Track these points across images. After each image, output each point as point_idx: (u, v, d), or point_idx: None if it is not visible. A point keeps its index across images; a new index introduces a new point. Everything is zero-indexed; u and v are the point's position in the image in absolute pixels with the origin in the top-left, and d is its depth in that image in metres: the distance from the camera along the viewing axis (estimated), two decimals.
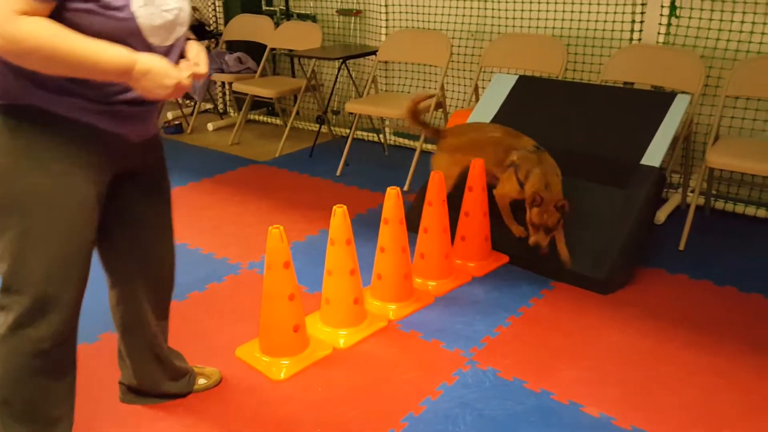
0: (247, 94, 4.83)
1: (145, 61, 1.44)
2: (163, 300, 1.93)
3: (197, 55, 1.64)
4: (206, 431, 1.97)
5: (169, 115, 5.49)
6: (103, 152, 1.57)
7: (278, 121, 5.44)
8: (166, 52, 1.53)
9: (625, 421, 1.98)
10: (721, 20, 3.44)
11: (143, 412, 2.04)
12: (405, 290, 2.63)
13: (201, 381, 2.15)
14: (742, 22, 3.37)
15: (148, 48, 1.48)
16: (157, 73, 1.45)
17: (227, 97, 5.73)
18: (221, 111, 5.75)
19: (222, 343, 2.40)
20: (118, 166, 1.64)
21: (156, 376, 2.01)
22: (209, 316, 2.59)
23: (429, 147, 4.59)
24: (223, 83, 5.62)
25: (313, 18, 5.14)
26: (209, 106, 5.79)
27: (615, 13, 3.78)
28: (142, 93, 1.49)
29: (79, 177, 1.53)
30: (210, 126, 5.30)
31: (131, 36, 1.45)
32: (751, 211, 3.45)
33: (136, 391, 2.05)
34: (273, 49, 5.08)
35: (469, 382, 2.18)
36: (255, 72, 5.02)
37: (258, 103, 5.39)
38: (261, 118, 5.58)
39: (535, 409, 2.04)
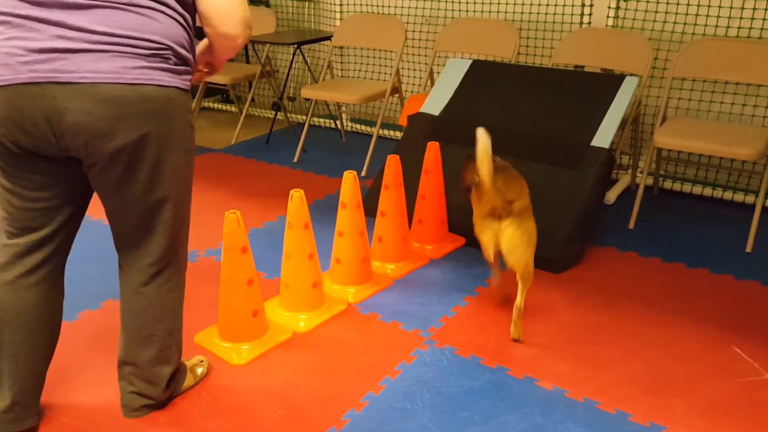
0: (200, 81, 4.77)
1: None
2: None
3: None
4: (165, 418, 1.96)
5: None
6: None
7: (233, 108, 5.39)
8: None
9: (578, 394, 2.05)
10: (667, 3, 3.53)
11: (98, 398, 2.03)
12: (363, 273, 2.65)
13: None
14: (688, 4, 3.47)
15: None
16: None
17: None
18: None
19: None
20: None
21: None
22: None
23: (385, 133, 4.62)
24: None
25: (266, 3, 5.10)
26: None
27: None
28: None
29: None
30: None
31: None
32: (697, 190, 3.56)
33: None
34: None
35: (427, 360, 2.22)
36: None
37: (212, 90, 5.33)
38: (215, 105, 5.52)
39: (491, 384, 2.09)
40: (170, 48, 1.60)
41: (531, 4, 3.98)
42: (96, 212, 3.00)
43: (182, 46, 1.63)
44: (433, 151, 2.85)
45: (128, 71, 1.54)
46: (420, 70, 4.51)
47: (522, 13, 4.02)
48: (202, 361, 2.15)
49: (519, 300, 2.29)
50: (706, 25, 3.45)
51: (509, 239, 2.23)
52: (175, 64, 1.63)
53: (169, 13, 1.60)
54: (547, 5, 3.92)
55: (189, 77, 1.69)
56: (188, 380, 2.06)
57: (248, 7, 1.69)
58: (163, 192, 1.71)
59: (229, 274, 2.17)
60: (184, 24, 1.64)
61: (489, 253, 2.33)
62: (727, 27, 3.40)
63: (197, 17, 1.70)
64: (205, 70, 1.94)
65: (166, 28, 1.59)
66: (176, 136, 1.68)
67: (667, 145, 3.09)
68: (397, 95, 4.20)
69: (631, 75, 3.22)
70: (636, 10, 3.62)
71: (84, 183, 1.73)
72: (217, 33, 1.68)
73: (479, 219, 2.33)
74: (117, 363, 1.91)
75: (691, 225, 3.24)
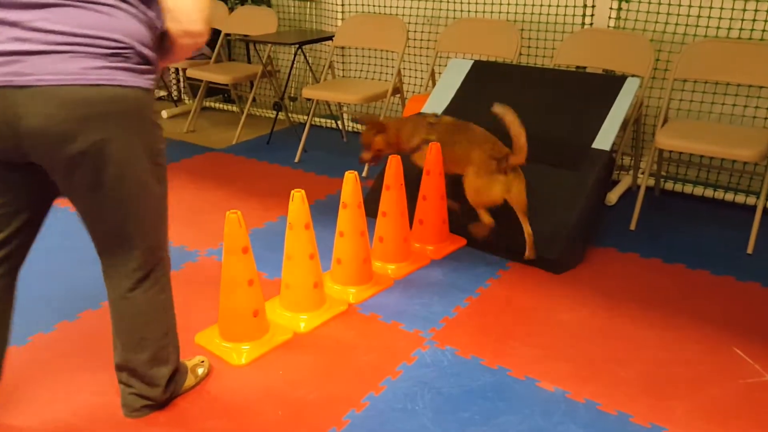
0: (201, 81, 4.77)
1: None
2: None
3: None
4: (165, 418, 1.96)
5: None
6: None
7: (234, 108, 5.39)
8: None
9: (579, 395, 2.05)
10: (669, 5, 3.52)
11: (93, 396, 2.03)
12: (364, 274, 2.65)
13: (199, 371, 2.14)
14: (690, 6, 3.46)
15: None
16: None
17: (181, 84, 5.65)
18: (175, 98, 5.67)
19: (181, 330, 2.36)
20: None
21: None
22: None
23: None
24: (176, 69, 5.54)
25: (267, 3, 5.10)
26: (163, 93, 5.70)
27: None
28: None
29: None
30: (164, 113, 5.23)
31: None
32: (698, 191, 3.56)
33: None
34: (228, 35, 5.02)
35: (428, 361, 2.21)
36: (209, 58, 4.96)
37: (213, 90, 5.33)
38: (217, 105, 5.52)
39: (492, 385, 2.09)
40: (132, 47, 1.55)
41: (533, 5, 3.97)
42: None
43: (145, 45, 1.59)
44: (434, 151, 2.85)
45: (89, 72, 1.49)
46: (421, 71, 4.51)
47: (524, 13, 4.02)
48: (202, 362, 2.15)
49: (529, 227, 2.77)
50: (707, 27, 3.44)
51: (519, 189, 2.74)
52: (137, 64, 1.58)
53: (131, 11, 1.55)
54: (549, 6, 3.92)
55: (152, 77, 1.64)
56: (189, 380, 2.06)
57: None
58: (136, 193, 1.68)
59: (230, 274, 2.17)
60: (148, 22, 1.60)
61: (496, 201, 2.76)
62: (729, 29, 3.40)
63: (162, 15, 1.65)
64: None
65: (127, 27, 1.54)
66: (141, 136, 1.64)
67: (669, 146, 3.08)
68: (398, 95, 4.20)
69: (633, 76, 3.22)
70: (638, 11, 3.61)
71: (43, 188, 1.69)
72: (183, 30, 1.63)
73: (489, 176, 2.74)
74: (114, 367, 1.91)
75: (692, 226, 3.24)
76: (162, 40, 1.68)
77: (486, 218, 2.80)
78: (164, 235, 1.84)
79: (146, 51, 1.59)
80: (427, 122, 2.98)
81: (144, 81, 1.60)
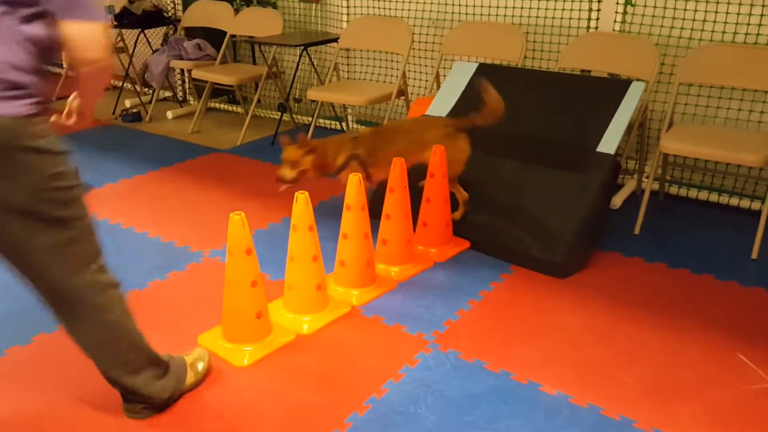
0: (206, 82, 4.78)
1: None
2: None
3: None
4: (167, 419, 1.96)
5: (127, 103, 5.40)
6: None
7: (239, 109, 5.40)
8: None
9: (582, 399, 2.04)
10: (674, 9, 3.52)
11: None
12: (368, 276, 2.65)
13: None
14: (695, 10, 3.46)
15: None
16: None
17: (187, 85, 5.65)
18: (180, 99, 5.68)
19: (184, 330, 2.39)
20: None
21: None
22: (170, 304, 2.57)
23: None
24: (182, 70, 5.55)
25: (273, 5, 5.10)
26: (168, 93, 5.71)
27: (573, 1, 3.84)
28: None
29: None
30: (169, 114, 5.24)
31: None
32: (703, 195, 3.55)
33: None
34: (233, 36, 5.03)
35: (430, 364, 2.21)
36: (215, 59, 4.96)
37: (218, 91, 5.34)
38: (221, 106, 5.52)
39: (495, 389, 2.09)
40: None
41: (538, 8, 3.97)
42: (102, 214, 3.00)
43: (15, 68, 1.46)
44: (438, 154, 2.84)
45: None
46: (426, 73, 4.51)
47: (529, 17, 4.01)
48: (201, 356, 2.13)
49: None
50: (713, 31, 3.44)
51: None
52: (4, 90, 1.45)
53: None
54: (554, 9, 3.92)
55: (27, 102, 1.49)
56: (189, 378, 2.05)
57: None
58: (26, 227, 1.56)
59: (234, 276, 2.17)
60: (23, 42, 1.47)
61: (469, 153, 2.99)
62: (734, 33, 3.39)
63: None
64: (71, 120, 1.78)
65: None
66: (13, 166, 1.49)
67: (674, 150, 3.08)
68: (403, 98, 4.20)
69: (638, 80, 3.21)
70: (643, 15, 3.61)
71: None
72: (83, 58, 1.54)
73: (454, 142, 2.95)
74: None
75: (697, 230, 3.23)
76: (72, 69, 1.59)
77: (463, 194, 3.04)
78: (85, 259, 1.69)
79: (14, 75, 1.46)
80: (349, 138, 2.97)
81: (11, 108, 1.46)
